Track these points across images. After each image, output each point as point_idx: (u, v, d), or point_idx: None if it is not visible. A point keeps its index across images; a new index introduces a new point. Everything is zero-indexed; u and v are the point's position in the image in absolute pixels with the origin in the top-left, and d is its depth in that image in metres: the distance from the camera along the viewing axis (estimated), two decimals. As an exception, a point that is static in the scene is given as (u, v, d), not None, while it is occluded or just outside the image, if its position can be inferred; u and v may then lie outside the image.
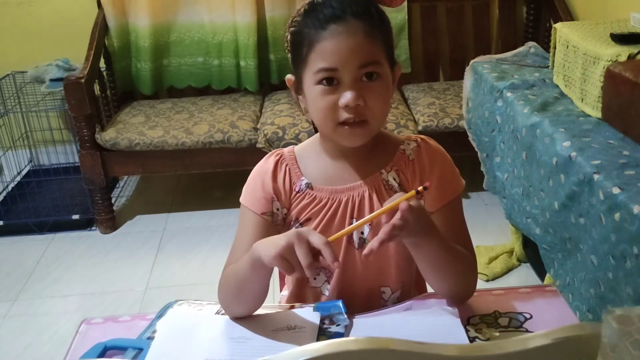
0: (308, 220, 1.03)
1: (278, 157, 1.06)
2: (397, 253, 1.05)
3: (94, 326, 0.99)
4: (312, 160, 1.06)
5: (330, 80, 0.93)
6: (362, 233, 1.03)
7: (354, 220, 1.02)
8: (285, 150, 1.08)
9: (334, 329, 0.95)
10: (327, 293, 1.07)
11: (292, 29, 0.98)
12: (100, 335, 0.96)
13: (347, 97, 0.92)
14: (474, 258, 1.03)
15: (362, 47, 0.92)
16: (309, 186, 1.04)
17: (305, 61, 0.95)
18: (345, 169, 1.04)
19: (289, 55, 1.01)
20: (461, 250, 1.00)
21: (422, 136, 1.07)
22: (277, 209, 1.04)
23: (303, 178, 1.04)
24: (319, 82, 0.94)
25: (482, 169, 2.19)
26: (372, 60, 0.93)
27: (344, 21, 0.92)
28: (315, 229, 1.02)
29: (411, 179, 1.03)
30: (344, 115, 0.94)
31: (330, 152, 1.05)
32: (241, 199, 1.06)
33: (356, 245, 1.04)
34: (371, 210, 1.01)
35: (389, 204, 0.87)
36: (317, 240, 0.84)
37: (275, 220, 1.04)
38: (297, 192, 1.04)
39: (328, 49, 0.92)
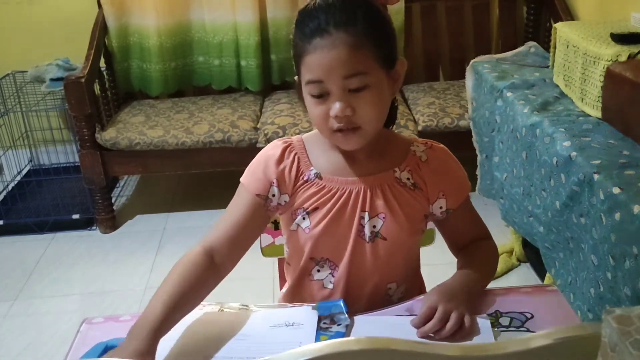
0: (316, 209, 1.03)
1: (287, 144, 1.06)
2: (405, 247, 1.06)
3: (95, 326, 0.99)
4: (321, 151, 1.06)
5: (320, 91, 0.95)
6: (374, 227, 1.03)
7: (366, 213, 1.02)
8: (294, 138, 1.08)
9: (334, 328, 0.95)
10: (330, 286, 1.07)
11: (290, 36, 1.01)
12: (101, 334, 0.96)
13: (335, 108, 0.95)
14: (492, 241, 1.12)
15: (345, 60, 0.92)
16: (318, 176, 1.04)
17: (299, 70, 0.98)
18: (356, 162, 1.04)
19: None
20: (484, 256, 1.09)
21: (429, 140, 1.09)
22: (274, 195, 1.04)
23: (312, 168, 1.04)
24: (310, 93, 0.97)
25: (477, 172, 2.19)
26: (357, 71, 0.93)
27: (327, 34, 0.92)
28: (323, 218, 1.02)
29: (427, 180, 1.05)
30: (336, 124, 0.96)
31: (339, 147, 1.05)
32: (241, 179, 1.07)
33: (367, 238, 1.03)
34: (385, 203, 1.02)
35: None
36: None
37: (267, 205, 1.04)
38: (305, 181, 1.04)
39: (313, 62, 0.94)
